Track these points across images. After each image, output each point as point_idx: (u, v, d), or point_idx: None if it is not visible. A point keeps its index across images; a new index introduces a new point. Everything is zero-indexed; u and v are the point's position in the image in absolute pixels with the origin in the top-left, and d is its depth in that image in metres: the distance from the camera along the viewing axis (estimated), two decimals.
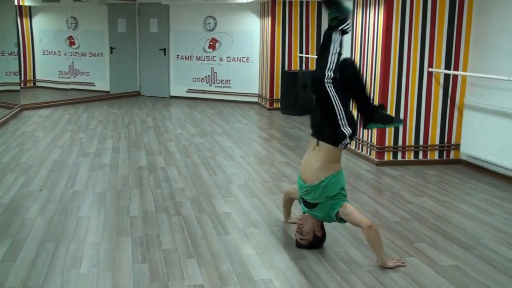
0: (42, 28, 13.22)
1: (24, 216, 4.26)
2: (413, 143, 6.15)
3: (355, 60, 6.59)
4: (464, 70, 6.04)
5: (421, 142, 6.16)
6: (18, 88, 10.74)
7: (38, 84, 13.35)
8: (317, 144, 3.60)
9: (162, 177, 5.50)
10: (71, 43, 12.76)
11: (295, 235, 3.73)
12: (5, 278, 3.20)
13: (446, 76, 6.07)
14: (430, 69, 6.01)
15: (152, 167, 5.87)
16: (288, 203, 4.15)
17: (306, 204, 3.67)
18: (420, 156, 6.20)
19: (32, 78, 13.33)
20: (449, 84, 6.08)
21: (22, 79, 12.72)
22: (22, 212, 4.37)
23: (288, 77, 9.80)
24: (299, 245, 3.71)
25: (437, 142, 6.18)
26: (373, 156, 6.21)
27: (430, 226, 4.17)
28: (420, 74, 6.02)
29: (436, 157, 6.22)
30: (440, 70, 6.00)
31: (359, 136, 6.53)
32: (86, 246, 3.70)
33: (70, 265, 3.39)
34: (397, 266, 3.42)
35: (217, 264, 3.43)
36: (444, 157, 6.23)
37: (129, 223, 4.15)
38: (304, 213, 3.74)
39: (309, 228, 3.63)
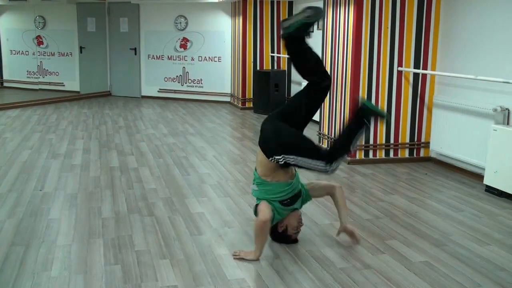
0: (9, 27, 12.96)
1: None
2: (384, 142, 6.23)
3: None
4: (433, 69, 6.14)
5: (392, 141, 6.24)
6: None
7: (5, 84, 13.09)
8: None
9: (134, 177, 5.45)
10: (40, 43, 12.55)
11: (292, 234, 3.74)
12: None
13: (415, 75, 6.16)
14: (400, 68, 6.09)
15: (124, 168, 5.81)
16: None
17: (292, 200, 3.68)
18: (391, 154, 6.28)
19: None
20: (418, 83, 6.17)
21: None
22: None
23: (260, 76, 9.82)
24: (294, 241, 3.80)
25: (407, 140, 6.27)
26: None
27: (401, 224, 4.23)
28: (390, 73, 6.10)
29: (406, 155, 6.31)
30: (409, 69, 6.09)
31: (331, 135, 6.58)
32: (57, 249, 3.64)
33: (41, 268, 3.34)
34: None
35: (191, 265, 3.42)
36: (415, 155, 6.32)
37: (101, 225, 4.10)
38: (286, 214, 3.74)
39: None
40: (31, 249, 3.63)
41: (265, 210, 3.51)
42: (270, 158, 3.50)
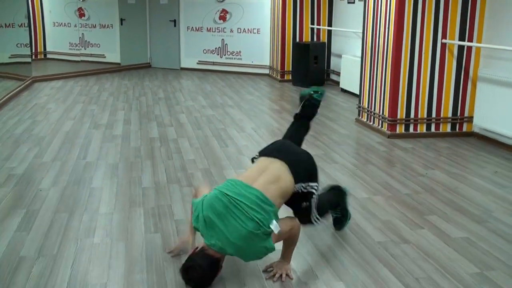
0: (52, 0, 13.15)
1: (38, 187, 4.31)
2: (425, 116, 6.11)
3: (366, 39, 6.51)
4: (479, 41, 5.94)
5: (433, 115, 6.11)
6: (29, 60, 10.75)
7: (48, 56, 13.34)
8: None
9: (173, 148, 5.51)
10: (81, 15, 12.70)
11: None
12: (21, 247, 3.25)
13: (460, 48, 5.98)
14: (444, 41, 5.92)
15: (164, 139, 5.89)
16: None
17: None
18: (433, 129, 6.16)
19: (42, 50, 13.32)
20: (463, 56, 6.00)
21: (33, 51, 12.71)
22: (35, 183, 4.42)
23: (300, 49, 9.72)
24: None
25: (449, 114, 6.13)
26: (384, 128, 6.18)
27: (441, 199, 4.16)
28: (433, 45, 5.94)
29: (448, 129, 6.17)
30: (454, 42, 5.92)
31: (371, 108, 6.49)
32: (99, 216, 3.74)
33: (84, 235, 3.44)
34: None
35: None
36: (457, 130, 6.18)
37: (141, 194, 4.19)
38: None
39: None
40: (74, 216, 3.74)
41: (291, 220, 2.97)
42: (303, 185, 2.97)
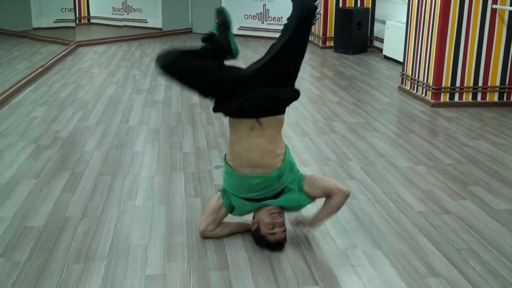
0: None
1: (82, 150, 4.42)
2: (471, 84, 5.93)
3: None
4: None
5: (480, 83, 5.93)
6: (73, 24, 10.89)
7: (92, 20, 13.47)
8: (259, 124, 2.79)
9: (213, 114, 5.52)
10: None
11: (271, 234, 2.81)
12: (66, 207, 3.36)
13: (511, 14, 5.74)
14: (494, 6, 5.69)
15: (204, 104, 5.91)
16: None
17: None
18: (479, 98, 5.98)
19: (86, 15, 13.45)
20: None
21: (77, 15, 12.85)
22: (80, 145, 4.53)
23: (342, 14, 9.51)
24: (276, 245, 2.86)
25: (497, 83, 5.93)
26: (428, 97, 6.04)
27: (485, 170, 4.07)
28: (483, 11, 5.71)
29: (495, 99, 5.98)
30: (505, 7, 5.68)
31: (415, 76, 6.34)
32: (141, 180, 3.81)
33: (126, 197, 3.52)
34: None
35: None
36: (504, 99, 5.98)
37: (182, 159, 4.24)
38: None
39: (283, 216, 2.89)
40: (117, 179, 3.83)
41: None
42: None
